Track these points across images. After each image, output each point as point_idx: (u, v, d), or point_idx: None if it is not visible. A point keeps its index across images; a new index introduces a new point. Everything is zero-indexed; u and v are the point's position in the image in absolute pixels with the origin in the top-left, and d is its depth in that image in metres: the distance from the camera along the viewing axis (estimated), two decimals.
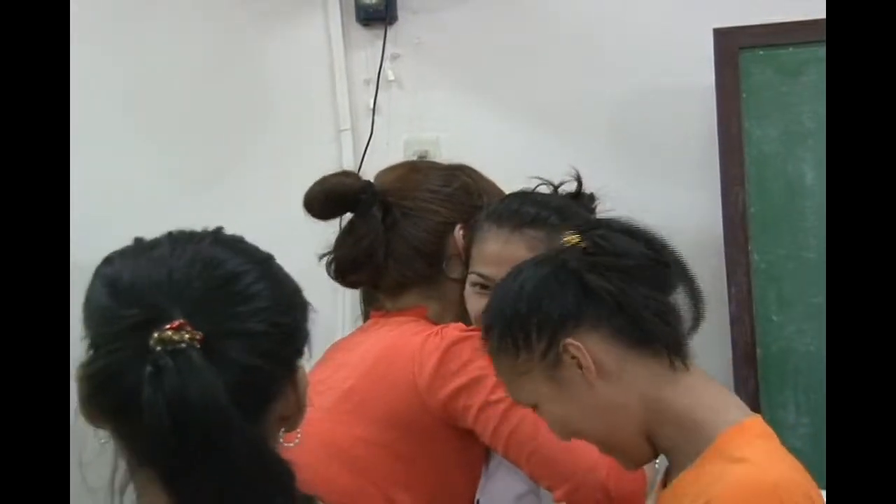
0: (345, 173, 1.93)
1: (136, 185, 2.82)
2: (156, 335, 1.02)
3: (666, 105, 2.65)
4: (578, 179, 1.87)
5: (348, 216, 1.95)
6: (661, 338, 1.31)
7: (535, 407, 1.36)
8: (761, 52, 2.47)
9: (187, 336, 1.03)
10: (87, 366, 1.07)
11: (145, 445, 1.03)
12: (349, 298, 2.73)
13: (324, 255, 1.91)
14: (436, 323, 1.83)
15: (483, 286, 1.78)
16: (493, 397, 1.68)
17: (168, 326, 1.03)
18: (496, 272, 1.76)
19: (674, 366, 1.31)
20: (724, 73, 2.47)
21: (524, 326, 1.32)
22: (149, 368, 1.01)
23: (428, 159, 2.65)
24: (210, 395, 1.01)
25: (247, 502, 1.04)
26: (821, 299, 2.25)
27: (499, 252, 1.76)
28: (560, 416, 1.34)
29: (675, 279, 1.33)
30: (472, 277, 1.80)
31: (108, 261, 1.12)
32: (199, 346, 1.03)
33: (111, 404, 1.06)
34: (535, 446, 1.65)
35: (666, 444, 1.33)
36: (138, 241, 1.13)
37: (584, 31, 2.72)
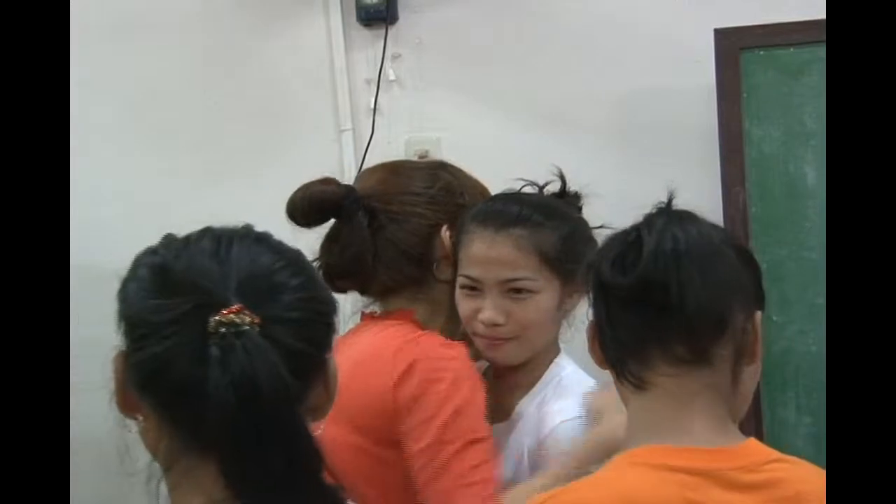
0: (325, 180, 1.90)
1: (136, 186, 2.82)
2: (216, 318, 1.04)
3: (667, 105, 2.65)
4: (562, 178, 1.86)
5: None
6: (608, 354, 1.35)
7: None
8: (762, 53, 2.48)
9: (248, 319, 1.05)
10: (134, 353, 1.08)
11: (205, 429, 1.04)
12: (349, 299, 2.74)
13: (311, 261, 1.89)
14: (423, 325, 1.82)
15: (472, 288, 1.78)
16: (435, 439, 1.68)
17: (227, 310, 1.05)
18: (483, 274, 1.76)
19: (620, 381, 1.35)
20: (725, 74, 2.48)
21: None
22: (214, 350, 1.03)
23: (428, 159, 2.65)
24: (277, 375, 1.03)
25: (301, 484, 1.06)
26: (822, 300, 2.25)
27: (485, 253, 1.75)
28: None
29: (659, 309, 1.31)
30: (460, 280, 1.79)
31: (151, 252, 1.14)
32: (258, 329, 1.05)
33: (168, 390, 1.06)
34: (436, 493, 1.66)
35: None
36: (174, 237, 1.15)
37: (584, 30, 2.72)
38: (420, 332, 1.80)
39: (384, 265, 1.83)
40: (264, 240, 1.15)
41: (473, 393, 1.72)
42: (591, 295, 1.36)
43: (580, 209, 1.88)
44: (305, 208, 1.86)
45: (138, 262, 1.13)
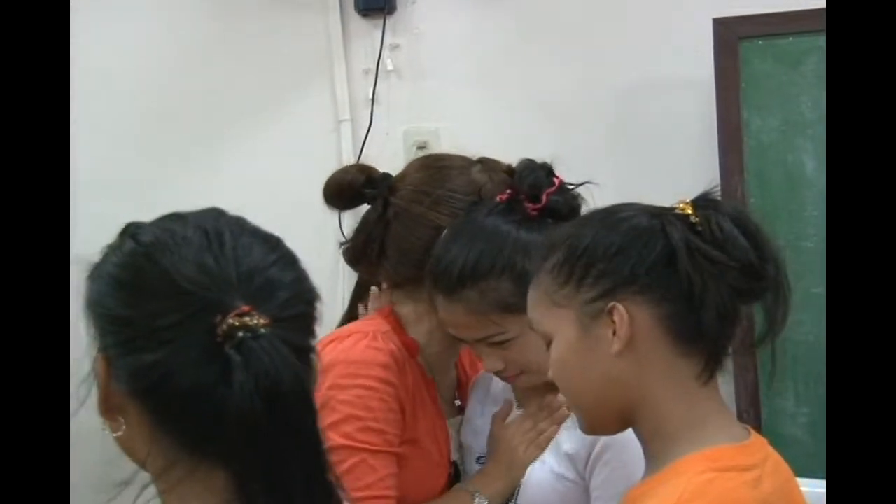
0: (360, 167, 1.88)
1: (135, 174, 2.82)
2: (230, 321, 0.99)
3: (665, 95, 2.65)
4: (513, 184, 1.71)
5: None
6: (710, 343, 1.24)
7: (546, 339, 1.30)
8: (761, 42, 2.47)
9: (261, 321, 1.00)
10: (123, 357, 1.03)
11: (218, 436, 0.99)
12: (348, 289, 2.74)
13: (343, 243, 1.91)
14: (407, 325, 1.81)
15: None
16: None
17: (236, 312, 0.99)
18: (457, 334, 1.72)
19: (702, 375, 1.25)
20: (724, 64, 2.48)
21: (587, 267, 1.25)
22: (234, 355, 0.98)
23: (427, 150, 2.65)
24: (298, 377, 1.00)
25: (316, 489, 1.03)
26: (819, 289, 2.25)
27: (446, 319, 1.70)
28: (563, 361, 1.29)
29: (762, 293, 1.26)
30: None
31: (131, 242, 1.07)
32: (270, 330, 1.00)
33: (175, 398, 1.01)
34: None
35: (644, 435, 1.29)
36: (141, 224, 1.09)
37: (584, 20, 2.72)
38: (367, 328, 1.79)
39: (386, 260, 1.81)
40: (248, 227, 1.10)
41: (380, 403, 1.72)
42: (684, 273, 1.22)
43: (568, 200, 1.75)
44: (326, 192, 1.87)
45: (116, 255, 1.07)
